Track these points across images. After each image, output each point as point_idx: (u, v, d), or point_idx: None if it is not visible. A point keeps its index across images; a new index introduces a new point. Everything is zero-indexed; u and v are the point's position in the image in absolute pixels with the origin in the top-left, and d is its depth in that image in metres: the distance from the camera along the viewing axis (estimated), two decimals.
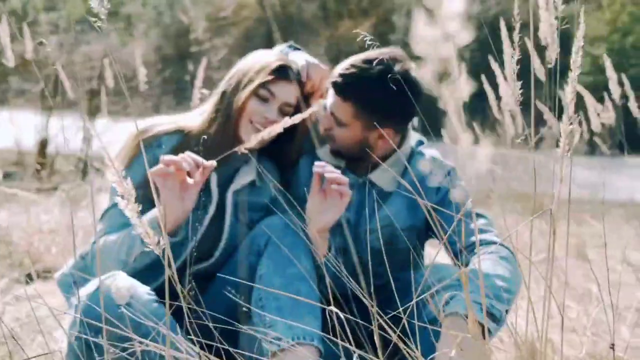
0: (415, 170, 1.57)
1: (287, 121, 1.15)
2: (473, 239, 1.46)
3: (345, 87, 1.48)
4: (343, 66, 1.51)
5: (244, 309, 1.34)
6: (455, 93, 0.73)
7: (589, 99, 2.54)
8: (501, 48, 1.12)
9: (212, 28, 11.60)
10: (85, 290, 1.29)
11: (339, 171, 1.38)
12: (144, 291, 1.29)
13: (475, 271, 1.32)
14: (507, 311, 1.31)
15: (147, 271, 1.39)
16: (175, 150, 1.44)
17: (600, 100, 2.73)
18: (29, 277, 2.46)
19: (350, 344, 1.09)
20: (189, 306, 1.17)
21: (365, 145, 1.52)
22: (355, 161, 1.58)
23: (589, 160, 3.42)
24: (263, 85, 1.49)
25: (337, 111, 1.51)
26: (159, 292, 1.32)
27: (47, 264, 2.69)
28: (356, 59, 1.51)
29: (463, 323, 1.22)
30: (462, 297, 1.26)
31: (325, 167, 1.37)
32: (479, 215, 1.53)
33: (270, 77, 1.48)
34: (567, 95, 1.00)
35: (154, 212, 1.35)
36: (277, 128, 1.16)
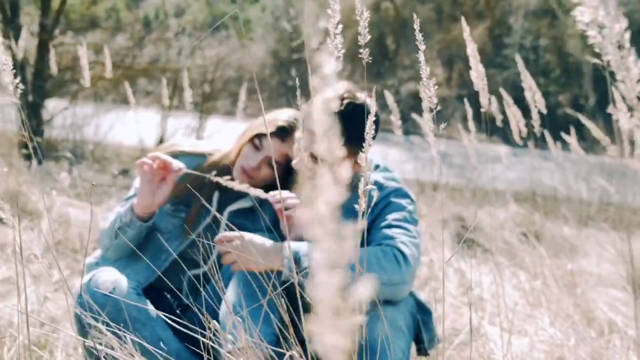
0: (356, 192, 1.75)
1: (260, 193, 1.42)
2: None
3: None
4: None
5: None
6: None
7: None
8: None
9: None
10: (82, 281, 1.57)
11: (290, 196, 1.62)
12: (126, 285, 1.56)
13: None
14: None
15: (144, 266, 1.71)
16: (193, 170, 1.71)
17: None
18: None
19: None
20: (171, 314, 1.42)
21: None
22: None
23: None
24: (259, 136, 1.72)
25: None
26: (160, 289, 1.70)
27: None
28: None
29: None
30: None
31: (279, 197, 1.62)
32: (405, 228, 1.65)
33: (266, 131, 1.70)
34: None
35: (133, 200, 1.69)
36: (253, 192, 1.43)
